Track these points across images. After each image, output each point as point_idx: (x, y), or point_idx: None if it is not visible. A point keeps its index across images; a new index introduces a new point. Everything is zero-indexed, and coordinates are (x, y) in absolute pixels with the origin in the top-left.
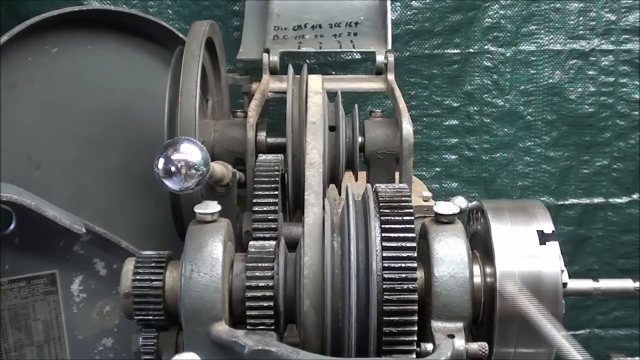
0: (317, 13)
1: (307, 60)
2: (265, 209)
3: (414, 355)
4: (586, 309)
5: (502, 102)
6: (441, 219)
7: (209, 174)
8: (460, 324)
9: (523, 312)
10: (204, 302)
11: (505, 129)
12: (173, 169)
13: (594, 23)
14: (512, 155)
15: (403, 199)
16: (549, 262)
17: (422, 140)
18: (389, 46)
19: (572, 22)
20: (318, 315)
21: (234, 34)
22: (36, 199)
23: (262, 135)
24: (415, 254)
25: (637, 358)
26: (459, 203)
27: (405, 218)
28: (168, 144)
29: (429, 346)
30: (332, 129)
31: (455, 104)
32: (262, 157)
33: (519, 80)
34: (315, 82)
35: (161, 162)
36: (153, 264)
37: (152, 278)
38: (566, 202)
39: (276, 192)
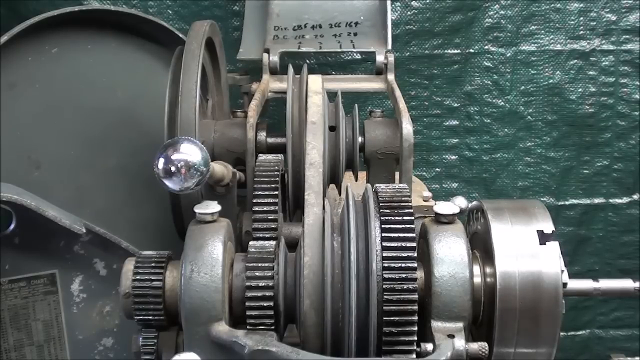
0: (317, 13)
1: (307, 60)
2: (265, 209)
3: (414, 355)
4: (586, 309)
5: (502, 103)
6: (441, 219)
7: (209, 174)
8: (460, 324)
9: None
10: (204, 302)
11: (506, 129)
12: (173, 169)
13: (595, 23)
14: (513, 156)
15: (403, 199)
16: (549, 262)
17: (422, 141)
18: (389, 46)
19: (572, 22)
20: (318, 315)
21: (234, 34)
22: (36, 199)
23: (262, 135)
24: (415, 254)
25: (637, 358)
26: (459, 203)
27: (405, 218)
28: (168, 144)
29: (429, 346)
30: (332, 129)
31: (456, 104)
32: (262, 157)
33: (519, 80)
34: (315, 82)
35: (161, 162)
36: (153, 264)
37: (152, 278)
38: (566, 203)
39: (276, 192)
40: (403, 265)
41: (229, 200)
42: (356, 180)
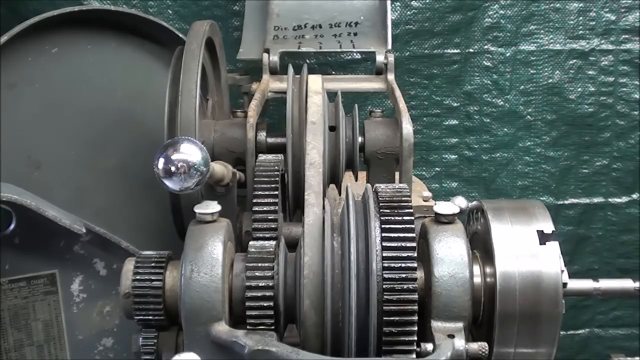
0: (317, 13)
1: (307, 60)
2: (265, 209)
3: (414, 355)
4: (586, 308)
5: (502, 102)
6: (441, 219)
7: (209, 174)
8: (460, 324)
9: None
10: (204, 302)
11: (505, 129)
12: (173, 169)
13: (594, 23)
14: (512, 155)
15: (403, 199)
16: (549, 262)
17: (422, 140)
18: (389, 46)
19: (571, 22)
20: (318, 315)
21: (234, 34)
22: (36, 199)
23: (262, 135)
24: (415, 254)
25: (637, 358)
26: (459, 203)
27: (405, 218)
28: (168, 144)
29: (429, 346)
30: (332, 129)
31: (455, 104)
32: (262, 157)
33: (518, 80)
34: (315, 82)
35: (161, 162)
36: (153, 264)
37: (152, 278)
38: (566, 202)
39: (276, 192)
40: (403, 265)
41: (229, 200)
42: (356, 180)
